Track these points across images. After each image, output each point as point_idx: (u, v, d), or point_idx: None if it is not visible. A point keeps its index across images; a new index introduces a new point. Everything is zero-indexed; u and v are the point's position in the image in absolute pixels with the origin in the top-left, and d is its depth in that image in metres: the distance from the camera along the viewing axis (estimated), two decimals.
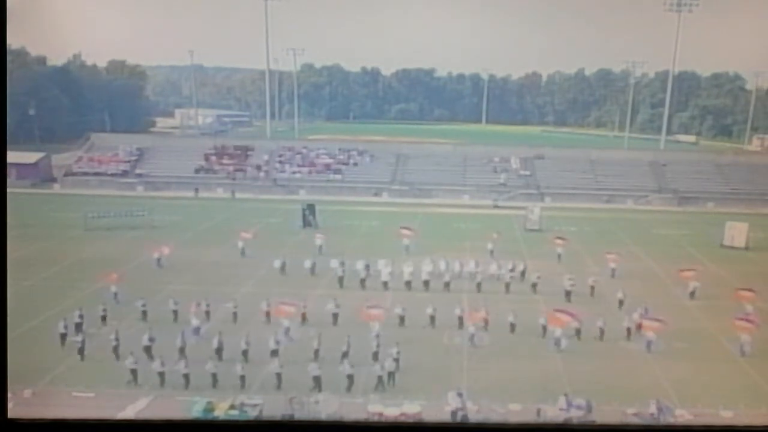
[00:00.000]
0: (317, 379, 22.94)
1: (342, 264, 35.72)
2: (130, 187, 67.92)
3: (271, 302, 29.35)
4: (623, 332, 28.53)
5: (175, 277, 35.93)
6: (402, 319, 29.26)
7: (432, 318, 29.33)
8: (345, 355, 24.50)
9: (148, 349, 25.05)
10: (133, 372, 23.21)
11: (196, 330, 27.13)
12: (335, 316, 29.31)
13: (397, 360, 24.06)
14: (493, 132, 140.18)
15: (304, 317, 29.22)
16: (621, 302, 31.86)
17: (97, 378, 23.49)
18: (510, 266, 36.31)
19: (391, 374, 23.56)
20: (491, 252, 40.93)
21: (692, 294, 34.41)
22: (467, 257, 38.30)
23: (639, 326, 27.99)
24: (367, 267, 35.97)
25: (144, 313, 29.54)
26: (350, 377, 23.01)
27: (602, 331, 28.30)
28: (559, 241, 42.45)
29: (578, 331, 27.62)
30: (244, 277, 35.84)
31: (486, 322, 28.94)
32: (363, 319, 27.56)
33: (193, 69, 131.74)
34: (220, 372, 23.29)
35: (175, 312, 29.33)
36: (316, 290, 33.66)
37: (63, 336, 26.28)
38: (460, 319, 29.14)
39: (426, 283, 34.70)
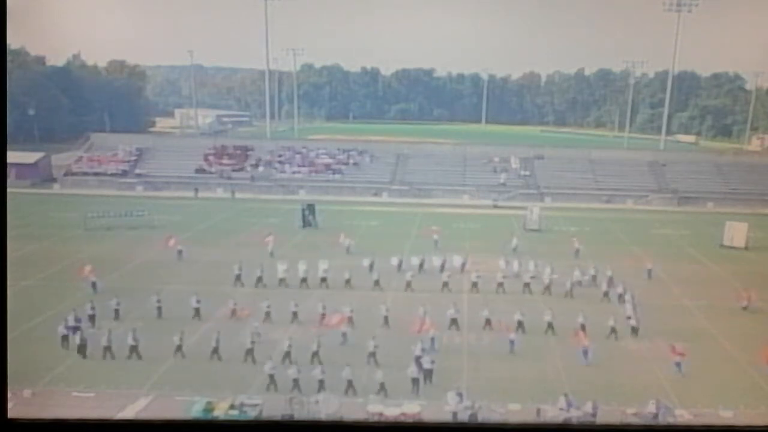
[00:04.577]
0: (350, 383, 22.81)
1: (371, 264, 36.61)
2: (130, 187, 67.90)
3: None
4: (624, 332, 28.63)
5: (174, 277, 35.92)
6: (454, 321, 29.02)
7: (488, 320, 29.11)
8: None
9: (214, 351, 25.27)
10: (272, 377, 22.98)
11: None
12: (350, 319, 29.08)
13: (433, 361, 24.11)
14: (492, 132, 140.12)
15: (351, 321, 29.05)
16: (621, 299, 31.92)
17: (97, 378, 23.50)
18: (593, 271, 35.99)
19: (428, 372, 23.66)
20: (514, 249, 42.00)
21: (745, 308, 32.76)
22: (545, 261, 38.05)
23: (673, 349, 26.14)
24: (400, 264, 37.37)
25: (159, 309, 29.68)
26: (382, 384, 22.77)
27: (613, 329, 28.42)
28: (575, 240, 43.68)
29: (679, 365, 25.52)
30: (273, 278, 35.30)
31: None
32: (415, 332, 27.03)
33: (193, 69, 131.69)
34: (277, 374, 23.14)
35: (197, 309, 29.59)
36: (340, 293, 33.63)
37: (64, 337, 26.22)
38: (520, 323, 28.84)
39: (500, 285, 34.63)
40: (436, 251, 40.41)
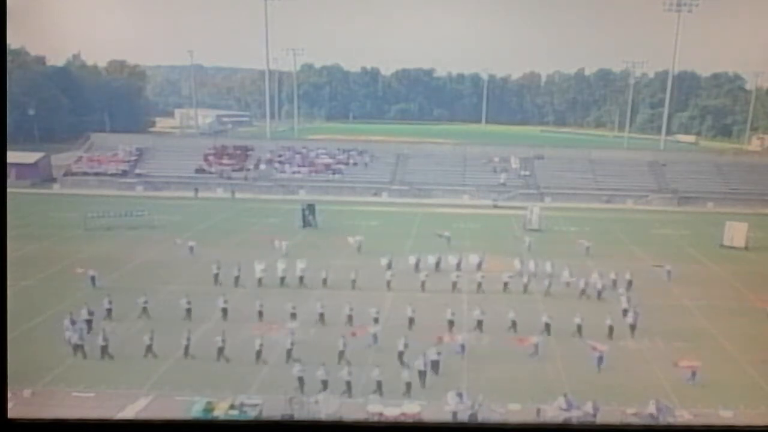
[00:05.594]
0: (379, 384, 22.78)
1: (389, 263, 36.76)
2: (130, 187, 67.90)
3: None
4: (624, 331, 28.62)
5: (173, 277, 35.90)
6: (485, 323, 28.84)
7: (514, 323, 28.94)
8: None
9: (220, 351, 25.33)
10: (300, 380, 22.83)
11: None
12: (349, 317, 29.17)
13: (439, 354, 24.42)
14: (492, 132, 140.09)
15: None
16: (625, 308, 31.80)
17: (97, 378, 23.49)
18: (613, 276, 35.40)
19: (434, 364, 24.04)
20: (528, 248, 42.62)
21: None
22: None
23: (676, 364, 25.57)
24: (417, 263, 37.57)
25: (187, 311, 29.64)
26: (408, 384, 22.90)
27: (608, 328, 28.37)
28: (583, 241, 44.09)
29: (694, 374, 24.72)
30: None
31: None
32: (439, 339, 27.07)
33: (193, 69, 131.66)
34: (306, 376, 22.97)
35: (188, 311, 29.62)
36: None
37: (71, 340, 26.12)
38: (547, 325, 28.61)
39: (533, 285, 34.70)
40: (450, 251, 40.37)
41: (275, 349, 25.70)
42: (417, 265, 37.56)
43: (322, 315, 29.28)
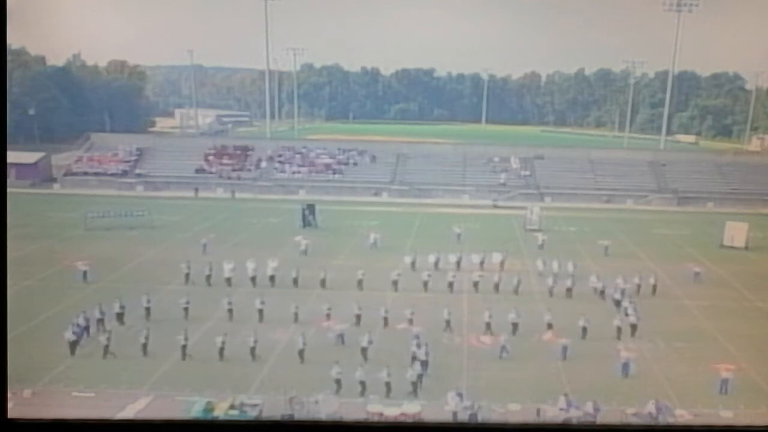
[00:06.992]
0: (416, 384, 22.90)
1: (412, 263, 37.28)
2: (130, 187, 67.91)
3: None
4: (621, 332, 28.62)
5: (174, 277, 35.85)
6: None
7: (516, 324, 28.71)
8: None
9: (183, 348, 25.33)
10: (338, 382, 22.66)
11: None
12: (358, 317, 29.06)
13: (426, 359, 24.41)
14: (492, 132, 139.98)
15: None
16: (618, 302, 31.79)
17: (97, 378, 23.48)
18: (637, 279, 34.95)
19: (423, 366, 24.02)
20: (540, 247, 42.86)
21: None
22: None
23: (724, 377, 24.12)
24: (437, 262, 37.75)
25: (147, 310, 29.58)
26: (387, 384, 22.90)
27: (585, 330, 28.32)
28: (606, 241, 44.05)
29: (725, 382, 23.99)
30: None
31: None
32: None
33: (193, 69, 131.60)
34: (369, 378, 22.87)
35: (186, 310, 29.55)
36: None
37: (73, 343, 26.02)
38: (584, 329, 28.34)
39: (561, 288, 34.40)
40: (462, 250, 40.28)
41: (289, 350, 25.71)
42: (436, 264, 37.54)
43: (358, 316, 29.00)
